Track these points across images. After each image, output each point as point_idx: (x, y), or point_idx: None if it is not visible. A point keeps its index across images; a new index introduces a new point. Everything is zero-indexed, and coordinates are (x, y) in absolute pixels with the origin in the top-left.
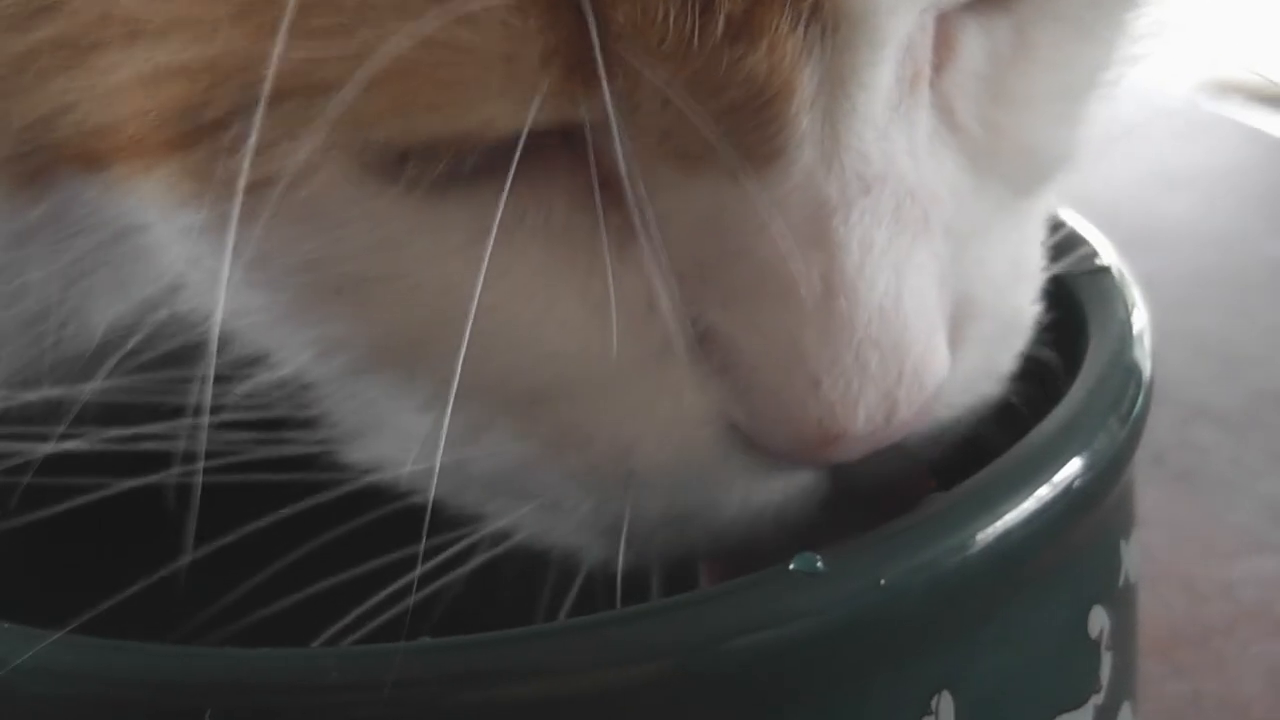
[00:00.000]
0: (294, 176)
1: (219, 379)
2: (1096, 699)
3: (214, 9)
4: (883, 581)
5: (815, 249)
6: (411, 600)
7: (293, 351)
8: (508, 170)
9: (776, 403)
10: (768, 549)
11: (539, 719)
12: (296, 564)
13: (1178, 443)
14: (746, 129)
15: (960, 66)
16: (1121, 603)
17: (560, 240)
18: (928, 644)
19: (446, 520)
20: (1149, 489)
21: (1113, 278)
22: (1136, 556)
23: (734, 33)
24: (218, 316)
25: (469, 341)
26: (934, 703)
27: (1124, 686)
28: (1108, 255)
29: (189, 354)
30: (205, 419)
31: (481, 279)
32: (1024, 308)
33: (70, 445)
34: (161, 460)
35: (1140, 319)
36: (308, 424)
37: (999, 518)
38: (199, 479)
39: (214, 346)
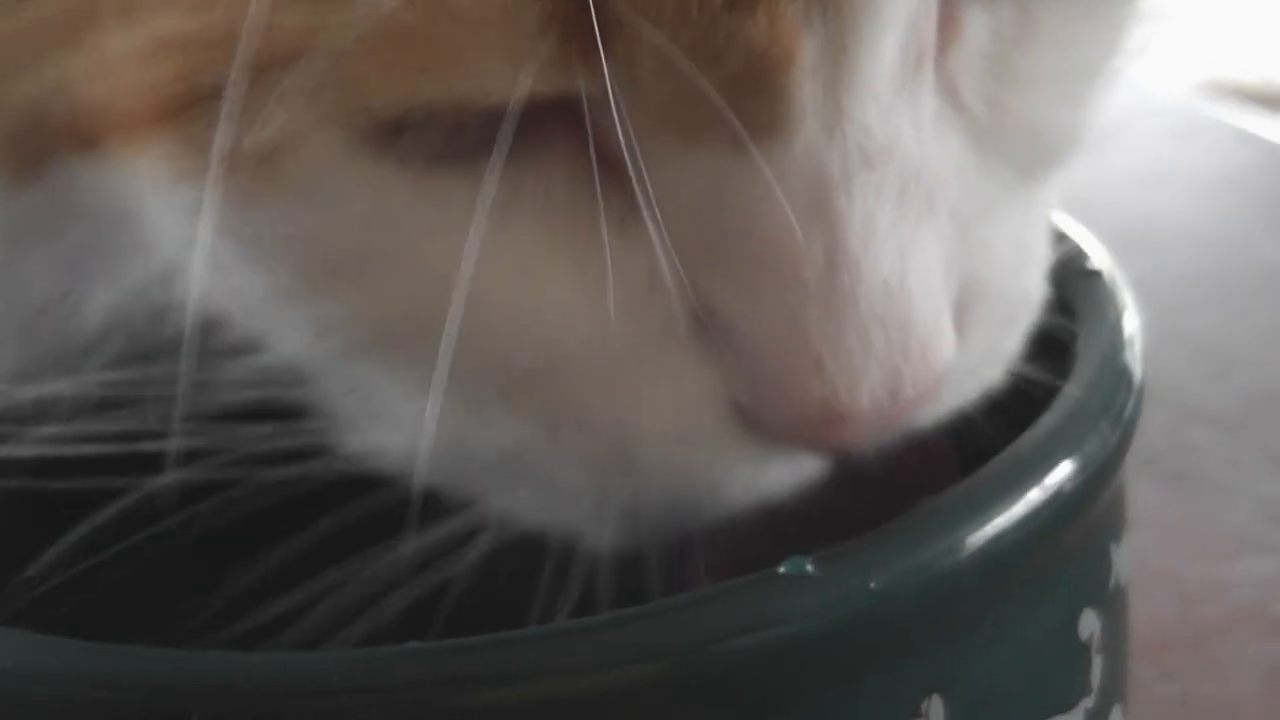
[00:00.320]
0: (289, 148)
1: (212, 367)
2: (1087, 702)
3: None
4: (873, 585)
5: (817, 224)
6: (411, 592)
7: (289, 333)
8: (505, 143)
9: (779, 381)
10: (769, 542)
11: None
12: (294, 560)
13: (1172, 444)
14: (746, 99)
15: (965, 46)
16: (1112, 606)
17: (559, 217)
18: (918, 647)
19: (444, 510)
20: (1143, 490)
21: (1104, 281)
22: (1128, 559)
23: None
24: (198, 279)
25: (466, 321)
26: (924, 705)
27: (1115, 689)
28: (1099, 258)
29: (180, 346)
30: (188, 385)
31: (473, 254)
32: (1030, 290)
33: (64, 446)
34: (152, 459)
35: (1132, 322)
36: (302, 415)
37: (989, 521)
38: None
39: (192, 314)
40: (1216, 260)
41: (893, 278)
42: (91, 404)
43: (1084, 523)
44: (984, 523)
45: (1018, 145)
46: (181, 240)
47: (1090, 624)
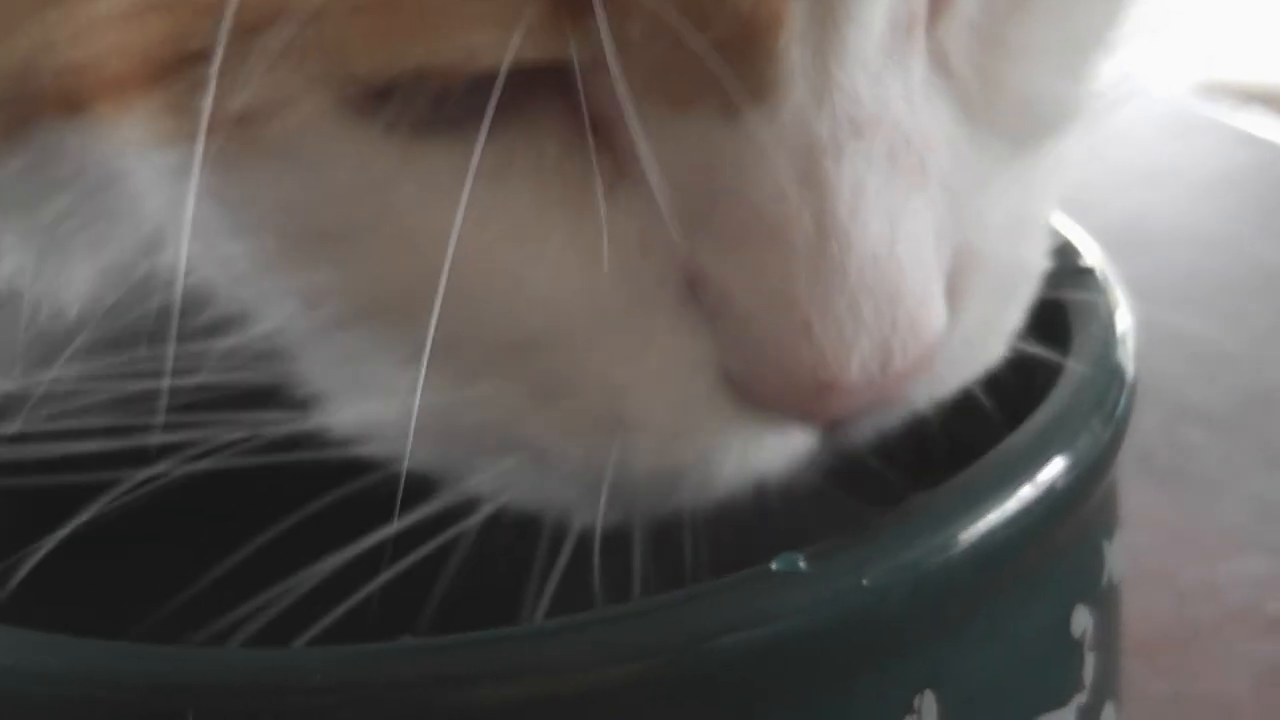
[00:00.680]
0: (276, 113)
1: (194, 353)
2: (1080, 698)
3: None
4: (865, 581)
5: (806, 190)
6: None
7: (276, 304)
8: (492, 109)
9: (768, 349)
10: (760, 521)
11: (522, 718)
12: (279, 547)
13: (1165, 443)
14: (735, 65)
15: (956, 15)
16: (1105, 603)
17: (551, 183)
18: (910, 643)
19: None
20: (1136, 489)
21: (1096, 278)
22: (1120, 557)
23: None
24: (184, 243)
25: (455, 289)
26: (917, 702)
27: (1107, 686)
28: (1092, 256)
29: (161, 328)
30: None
31: (459, 220)
32: (1029, 261)
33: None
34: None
35: (1124, 320)
36: (286, 400)
37: (981, 517)
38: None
39: (179, 279)
40: (1212, 260)
41: (881, 246)
42: (65, 395)
43: (1076, 520)
44: (976, 519)
45: (1011, 116)
46: (166, 207)
47: (1083, 621)
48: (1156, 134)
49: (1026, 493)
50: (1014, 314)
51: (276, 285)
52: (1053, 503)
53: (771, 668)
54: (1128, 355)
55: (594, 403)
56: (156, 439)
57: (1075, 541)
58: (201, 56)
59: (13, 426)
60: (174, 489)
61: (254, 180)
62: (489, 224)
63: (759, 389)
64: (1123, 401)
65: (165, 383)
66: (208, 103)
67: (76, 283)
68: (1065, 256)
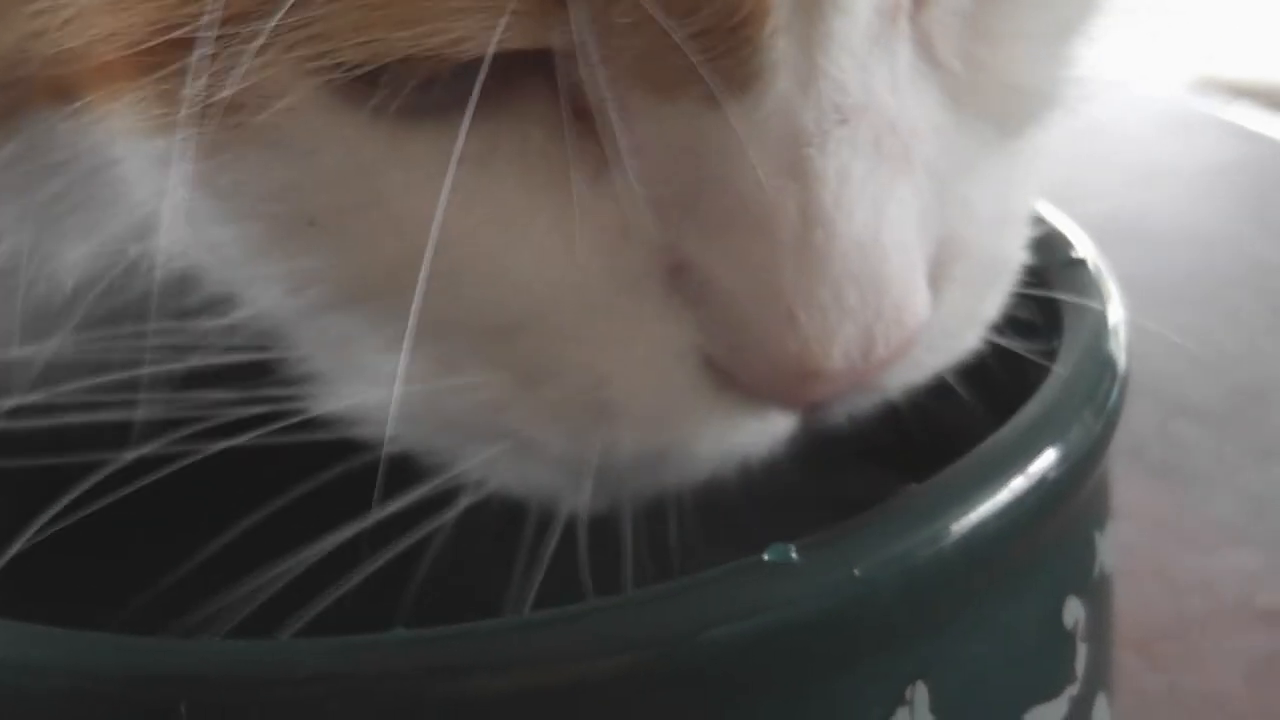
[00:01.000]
0: (263, 100)
1: (184, 330)
2: (1072, 690)
3: None
4: (856, 573)
5: (791, 179)
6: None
7: (265, 287)
8: (475, 96)
9: (752, 336)
10: (741, 503)
11: (513, 711)
12: (260, 535)
13: (1158, 437)
14: (720, 53)
15: (940, 2)
16: (1097, 594)
17: (536, 169)
18: (902, 635)
19: (419, 475)
20: (1128, 482)
21: (1089, 270)
22: (1112, 548)
23: None
24: (170, 228)
25: (441, 274)
26: (909, 693)
27: (1100, 678)
28: (1084, 249)
29: (151, 305)
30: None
31: (442, 206)
32: (1010, 252)
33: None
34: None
35: (1116, 312)
36: (274, 380)
37: (973, 509)
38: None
39: (165, 265)
40: (1206, 255)
41: (867, 234)
42: (55, 372)
43: (1068, 511)
44: (968, 510)
45: (995, 102)
46: (156, 193)
47: (1075, 612)
48: (1152, 129)
49: (1018, 484)
50: (992, 304)
51: (264, 270)
52: (1044, 494)
53: (763, 659)
54: (1119, 347)
55: (578, 389)
56: (142, 415)
57: (1067, 533)
58: (189, 45)
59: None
60: (155, 477)
61: (242, 167)
62: (473, 209)
63: (743, 375)
64: (1114, 393)
65: (147, 359)
66: (191, 90)
67: (71, 263)
68: (1057, 249)
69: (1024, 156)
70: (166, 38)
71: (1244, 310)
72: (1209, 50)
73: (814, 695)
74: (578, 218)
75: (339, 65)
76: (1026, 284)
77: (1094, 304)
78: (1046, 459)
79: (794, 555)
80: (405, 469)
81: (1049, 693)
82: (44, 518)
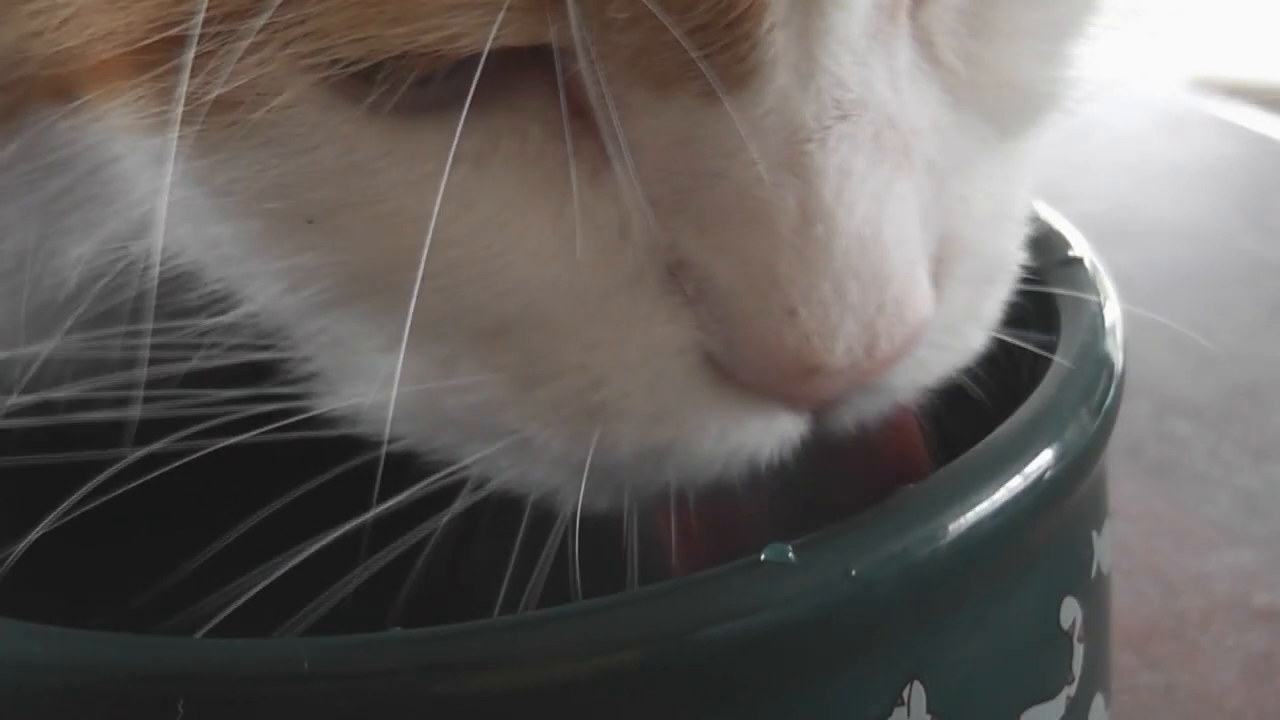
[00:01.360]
0: (261, 97)
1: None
2: (1069, 690)
3: None
4: (853, 572)
5: (791, 174)
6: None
7: (263, 285)
8: (470, 93)
9: (752, 332)
10: (743, 505)
11: (510, 709)
12: (259, 534)
13: (1154, 435)
14: (719, 48)
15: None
16: (1094, 594)
17: (535, 167)
18: (899, 634)
19: (418, 473)
20: (1124, 481)
21: (1085, 269)
22: (1109, 548)
23: None
24: (165, 225)
25: (438, 272)
26: (905, 693)
27: (1096, 678)
28: (1080, 247)
29: (151, 304)
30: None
31: (439, 204)
32: (1010, 250)
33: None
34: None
35: (1112, 311)
36: (272, 380)
37: (970, 508)
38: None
39: (161, 262)
40: (1199, 252)
41: (867, 229)
42: (56, 370)
43: (1064, 510)
44: (964, 510)
45: (994, 101)
46: (155, 191)
47: (1072, 612)
48: (1146, 128)
49: (1015, 483)
50: (995, 303)
51: (262, 268)
52: (1041, 493)
53: (760, 658)
54: (1116, 346)
55: (576, 387)
56: (142, 414)
57: (1064, 532)
58: (184, 43)
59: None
60: (154, 476)
61: (239, 164)
62: (471, 207)
63: (743, 372)
64: (1111, 392)
65: (148, 359)
66: (188, 87)
67: (73, 261)
68: (1053, 248)
69: (1022, 156)
70: (163, 35)
71: (1240, 309)
72: (1206, 50)
73: (811, 695)
74: (577, 215)
75: (335, 62)
76: (1024, 282)
77: (1090, 303)
78: (1043, 458)
79: (791, 555)
80: (405, 468)
81: (1046, 693)
82: (51, 516)
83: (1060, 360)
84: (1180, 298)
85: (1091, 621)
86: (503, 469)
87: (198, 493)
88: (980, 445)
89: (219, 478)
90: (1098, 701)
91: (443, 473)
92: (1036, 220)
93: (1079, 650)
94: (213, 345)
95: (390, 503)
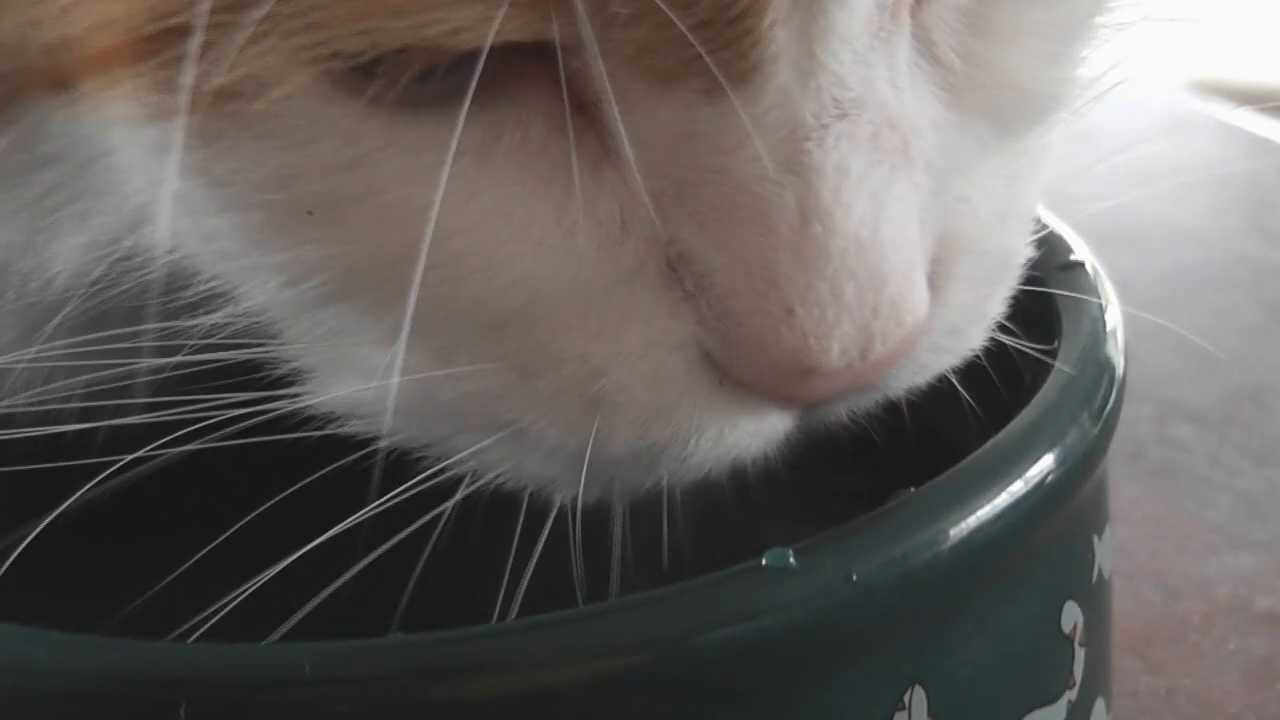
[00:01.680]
0: (261, 88)
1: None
2: (1070, 694)
3: None
4: (854, 577)
5: (790, 172)
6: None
7: (261, 279)
8: (472, 87)
9: (749, 329)
10: (733, 504)
11: (510, 713)
12: (254, 536)
13: (1155, 439)
14: (720, 45)
15: None
16: (1095, 598)
17: (537, 161)
18: (899, 639)
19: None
20: (1126, 485)
21: (1086, 273)
22: (1110, 552)
23: None
24: (166, 217)
25: (438, 265)
26: (906, 697)
27: (1097, 682)
28: (1081, 251)
29: (144, 305)
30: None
31: (439, 197)
32: (1013, 249)
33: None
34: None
35: (1113, 315)
36: (269, 381)
37: (971, 513)
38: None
39: (162, 253)
40: (1200, 256)
41: (865, 229)
42: (46, 372)
43: (1065, 515)
44: (965, 514)
45: (996, 101)
46: (152, 182)
47: (1073, 616)
48: (1148, 130)
49: (1016, 488)
50: (996, 302)
51: (261, 261)
52: (1042, 498)
53: (760, 663)
54: (1117, 350)
55: (574, 380)
56: (137, 419)
57: (1065, 537)
58: (185, 32)
59: None
60: (145, 479)
61: (239, 155)
62: (472, 200)
63: (739, 371)
64: (1112, 397)
65: (141, 359)
66: (188, 77)
67: (63, 256)
68: (1054, 251)
69: (1027, 156)
70: (164, 24)
71: (1242, 313)
72: (1207, 53)
73: (811, 699)
74: (579, 208)
75: (336, 54)
76: (1024, 284)
77: (1091, 307)
78: (1044, 463)
79: (792, 560)
80: (401, 472)
81: (1047, 697)
82: (49, 516)
83: (1061, 365)
84: (1182, 302)
85: (1093, 625)
86: (498, 462)
87: (197, 494)
88: (981, 450)
89: (218, 478)
90: (1099, 706)
91: (437, 467)
92: (1037, 224)
93: (1080, 654)
94: (202, 345)
95: (386, 498)
